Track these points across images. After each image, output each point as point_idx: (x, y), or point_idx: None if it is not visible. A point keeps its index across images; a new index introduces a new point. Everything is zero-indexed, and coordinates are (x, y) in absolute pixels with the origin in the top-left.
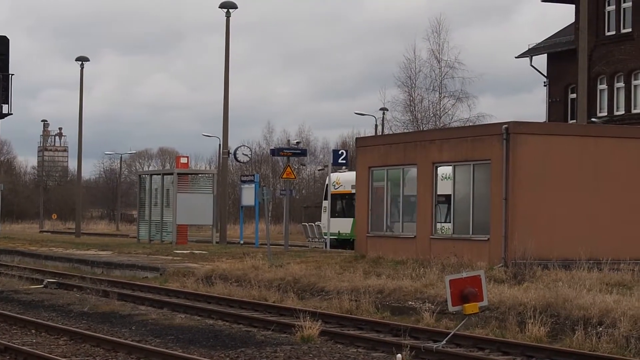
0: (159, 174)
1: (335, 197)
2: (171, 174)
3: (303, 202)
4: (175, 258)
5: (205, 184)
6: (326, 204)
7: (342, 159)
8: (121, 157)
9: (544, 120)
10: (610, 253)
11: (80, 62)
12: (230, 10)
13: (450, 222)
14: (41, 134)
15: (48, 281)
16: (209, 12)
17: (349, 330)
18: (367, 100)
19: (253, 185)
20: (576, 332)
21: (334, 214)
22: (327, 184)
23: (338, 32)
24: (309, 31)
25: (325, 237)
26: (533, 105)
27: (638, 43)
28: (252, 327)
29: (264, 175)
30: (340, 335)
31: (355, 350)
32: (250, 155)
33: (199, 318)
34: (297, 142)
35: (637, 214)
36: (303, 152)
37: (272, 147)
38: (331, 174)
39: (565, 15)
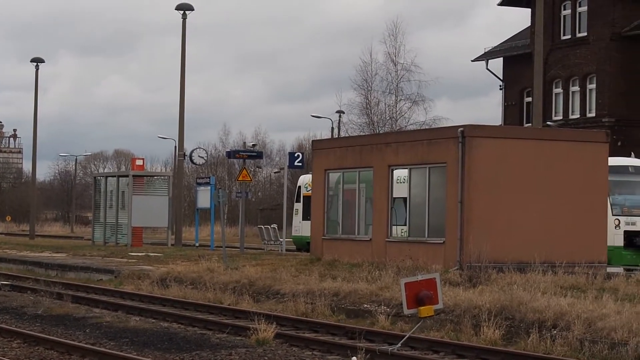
0: (114, 176)
1: (308, 199)
2: (126, 176)
3: (259, 204)
4: (130, 260)
5: (160, 186)
6: (298, 206)
7: (298, 162)
8: (76, 159)
9: (500, 123)
10: (565, 256)
11: (35, 64)
12: (186, 12)
13: (406, 225)
14: None
15: (2, 283)
16: (165, 13)
17: (304, 333)
18: (323, 103)
19: (209, 187)
20: (531, 335)
21: (306, 216)
22: (298, 186)
23: (295, 34)
24: (265, 33)
25: (281, 239)
26: (489, 109)
27: (593, 47)
28: (207, 330)
29: (219, 177)
30: (295, 338)
31: (310, 353)
32: (206, 158)
33: (153, 321)
34: (253, 145)
35: (592, 217)
36: (259, 155)
37: (228, 150)
38: (303, 176)
39: (522, 19)
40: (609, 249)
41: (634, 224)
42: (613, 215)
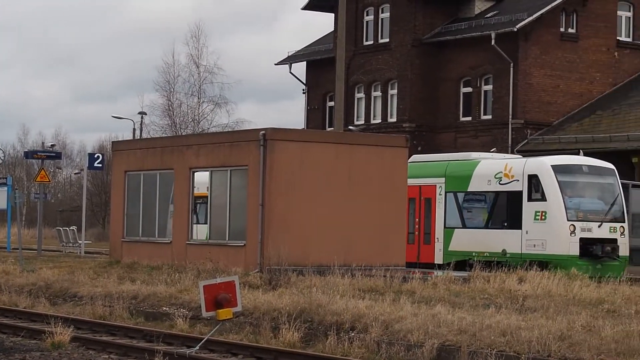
0: None
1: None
2: None
3: (58, 206)
4: None
5: None
6: None
7: (98, 163)
8: None
9: (304, 127)
10: (363, 259)
11: None
12: None
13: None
14: None
15: None
16: None
17: (101, 336)
18: (127, 104)
19: (5, 188)
20: (329, 337)
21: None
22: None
23: (99, 34)
24: (69, 32)
25: (80, 241)
26: (295, 112)
27: (395, 53)
28: (1, 334)
29: (18, 178)
30: (92, 342)
31: (107, 356)
32: (3, 158)
33: None
34: (52, 145)
35: (389, 220)
36: (57, 155)
37: (26, 150)
38: (198, 173)
39: (328, 23)
40: (562, 258)
41: (590, 230)
42: (567, 220)
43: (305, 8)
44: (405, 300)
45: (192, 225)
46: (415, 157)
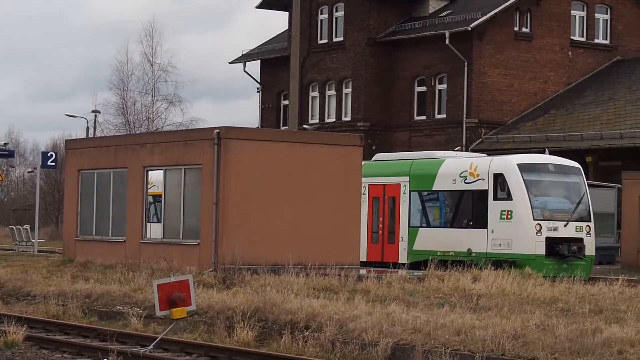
0: None
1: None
2: None
3: (12, 204)
4: None
5: None
6: None
7: (51, 162)
8: None
9: (258, 126)
10: (317, 258)
11: None
12: None
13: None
14: None
15: None
16: None
17: (55, 335)
18: (80, 102)
19: None
20: (283, 336)
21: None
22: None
23: (54, 32)
24: (24, 29)
25: (33, 240)
26: (250, 111)
27: (349, 52)
28: None
29: None
30: (46, 341)
31: (61, 355)
32: None
33: None
34: (4, 144)
35: (344, 219)
36: (11, 154)
37: None
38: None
39: (282, 22)
40: (528, 258)
41: (556, 229)
42: (534, 219)
43: (260, 6)
44: (359, 299)
45: (146, 224)
46: (379, 156)
